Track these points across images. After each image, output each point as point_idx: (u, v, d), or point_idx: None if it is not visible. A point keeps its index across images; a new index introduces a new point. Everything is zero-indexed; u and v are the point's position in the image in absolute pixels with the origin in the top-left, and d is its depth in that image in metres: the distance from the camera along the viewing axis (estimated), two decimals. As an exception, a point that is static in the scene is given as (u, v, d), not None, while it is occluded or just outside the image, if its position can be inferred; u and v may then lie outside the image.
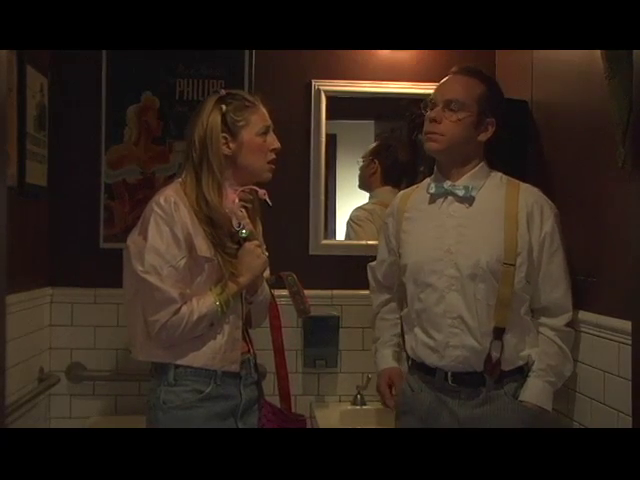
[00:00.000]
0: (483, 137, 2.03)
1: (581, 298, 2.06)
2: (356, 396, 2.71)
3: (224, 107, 1.93)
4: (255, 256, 1.94)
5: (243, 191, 1.96)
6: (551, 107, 2.37)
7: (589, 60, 1.99)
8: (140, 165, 2.75)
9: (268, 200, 1.97)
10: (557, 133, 2.31)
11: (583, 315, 2.05)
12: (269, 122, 1.99)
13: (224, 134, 1.93)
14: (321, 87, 2.80)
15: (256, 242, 1.97)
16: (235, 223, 1.91)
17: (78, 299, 2.70)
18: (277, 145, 2.00)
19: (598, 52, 1.85)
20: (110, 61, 2.73)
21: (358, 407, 2.69)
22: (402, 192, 2.25)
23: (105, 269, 2.65)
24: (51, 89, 2.64)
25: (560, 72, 2.27)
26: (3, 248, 1.01)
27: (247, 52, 2.76)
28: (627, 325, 1.69)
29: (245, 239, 1.94)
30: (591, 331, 2.00)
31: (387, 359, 2.20)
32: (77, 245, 2.73)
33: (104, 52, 2.72)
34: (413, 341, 2.05)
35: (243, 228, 1.93)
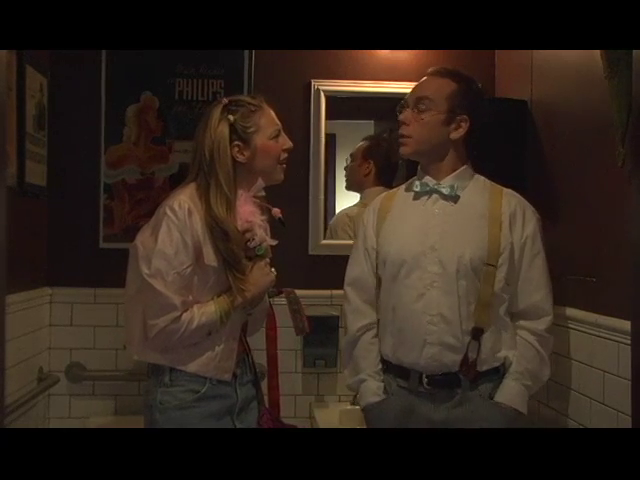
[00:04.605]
0: (455, 135, 2.01)
1: (581, 298, 2.06)
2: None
3: (231, 117, 1.91)
4: (264, 273, 1.95)
5: (261, 206, 1.96)
6: (551, 107, 2.37)
7: (589, 60, 1.99)
8: (140, 165, 2.75)
9: (282, 220, 1.97)
10: (556, 133, 2.31)
11: (583, 315, 2.05)
12: (279, 124, 1.98)
13: (237, 142, 1.91)
14: (321, 87, 2.80)
15: (267, 259, 1.97)
16: (252, 239, 1.90)
17: (77, 299, 2.70)
18: (289, 145, 1.99)
19: (598, 52, 1.85)
20: (110, 61, 2.73)
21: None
22: (385, 193, 2.22)
23: (104, 269, 2.66)
24: (51, 89, 2.64)
25: (560, 72, 2.27)
26: (3, 248, 1.01)
27: (247, 52, 2.76)
28: (626, 325, 1.69)
29: (260, 256, 1.94)
30: (591, 331, 2.00)
31: (379, 393, 2.05)
32: (76, 245, 2.73)
33: (104, 52, 2.72)
34: (389, 340, 2.02)
35: (260, 245, 1.93)
